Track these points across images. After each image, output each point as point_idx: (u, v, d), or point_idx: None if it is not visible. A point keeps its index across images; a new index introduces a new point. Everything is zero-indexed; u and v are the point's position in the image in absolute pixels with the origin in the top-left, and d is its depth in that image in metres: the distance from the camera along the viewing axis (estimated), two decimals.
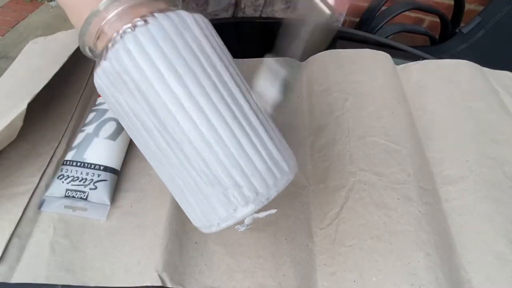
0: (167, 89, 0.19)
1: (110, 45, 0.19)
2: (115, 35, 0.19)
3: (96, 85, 0.22)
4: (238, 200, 0.20)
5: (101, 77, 0.20)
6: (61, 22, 1.67)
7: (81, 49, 0.23)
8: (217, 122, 0.20)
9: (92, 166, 0.32)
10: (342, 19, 0.64)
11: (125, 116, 0.21)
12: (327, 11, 0.18)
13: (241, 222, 0.31)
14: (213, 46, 0.21)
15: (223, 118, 0.20)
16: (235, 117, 0.20)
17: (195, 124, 0.19)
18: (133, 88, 0.19)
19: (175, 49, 0.19)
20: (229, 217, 0.21)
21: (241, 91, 0.21)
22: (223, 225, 0.21)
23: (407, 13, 0.97)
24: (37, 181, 0.33)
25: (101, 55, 0.20)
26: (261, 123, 0.21)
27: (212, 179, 0.20)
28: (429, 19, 1.25)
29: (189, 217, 0.23)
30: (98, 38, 0.21)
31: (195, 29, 0.20)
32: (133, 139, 0.23)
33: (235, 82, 0.21)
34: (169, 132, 0.20)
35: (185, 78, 0.19)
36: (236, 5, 0.59)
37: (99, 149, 0.33)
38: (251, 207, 0.20)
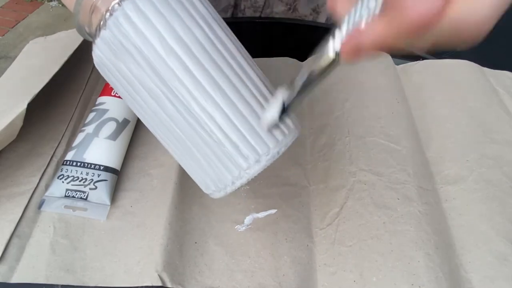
0: (170, 51, 0.19)
1: (107, 15, 0.20)
2: (111, 4, 0.19)
3: (95, 61, 0.22)
4: (250, 157, 0.21)
5: (101, 48, 0.20)
6: (61, 22, 1.67)
7: (78, 30, 0.22)
8: (222, 82, 0.20)
9: (92, 166, 0.32)
10: None
11: (130, 88, 0.21)
12: (331, 54, 0.18)
13: (241, 222, 0.31)
14: (208, 10, 0.21)
15: (227, 77, 0.20)
16: (239, 77, 0.21)
17: (200, 84, 0.20)
18: (135, 53, 0.19)
19: (173, 11, 0.20)
20: (242, 175, 0.21)
21: (240, 53, 0.22)
22: (238, 183, 0.21)
23: None
24: (37, 181, 0.33)
25: (98, 28, 0.20)
26: (264, 83, 0.22)
27: (223, 138, 0.20)
28: None
29: (200, 184, 0.24)
30: (92, 12, 0.21)
31: None
32: (138, 114, 0.23)
33: (233, 43, 0.22)
34: (175, 95, 0.20)
35: (185, 39, 0.20)
36: (236, 6, 0.59)
37: (99, 149, 0.33)
38: (263, 163, 0.21)
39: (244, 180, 0.21)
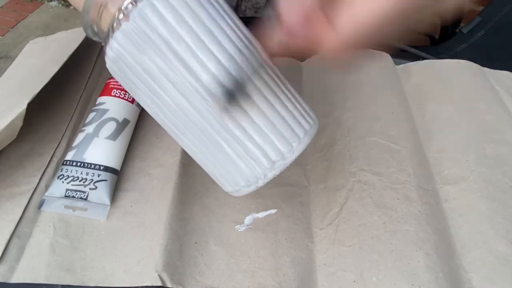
0: (198, 42, 0.19)
1: (129, 6, 0.19)
2: None
3: (111, 56, 0.21)
4: (282, 149, 0.21)
5: (121, 42, 0.20)
6: (61, 22, 1.67)
7: (85, 28, 0.22)
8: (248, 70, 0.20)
9: (92, 166, 0.32)
10: None
11: (152, 82, 0.20)
12: None
13: (241, 222, 0.31)
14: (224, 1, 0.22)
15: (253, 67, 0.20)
16: (264, 69, 0.21)
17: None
18: (162, 45, 0.19)
19: (198, 2, 0.20)
20: (276, 166, 0.21)
21: (257, 47, 0.22)
22: (270, 175, 0.22)
23: None
24: (37, 181, 0.33)
25: (116, 21, 0.19)
26: (286, 87, 0.23)
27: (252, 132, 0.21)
28: None
29: (226, 182, 0.23)
30: (105, 6, 0.20)
31: None
32: (157, 112, 0.22)
33: (251, 36, 0.22)
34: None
35: (213, 30, 0.20)
36: (237, 7, 0.60)
37: (99, 149, 0.33)
38: (294, 154, 0.21)
39: (277, 172, 0.21)
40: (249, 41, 0.21)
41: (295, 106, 0.22)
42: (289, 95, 0.22)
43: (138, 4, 0.19)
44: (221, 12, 0.20)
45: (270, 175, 0.22)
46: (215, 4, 0.20)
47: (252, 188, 0.22)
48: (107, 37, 0.20)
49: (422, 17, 0.16)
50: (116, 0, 0.19)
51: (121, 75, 0.21)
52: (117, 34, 0.19)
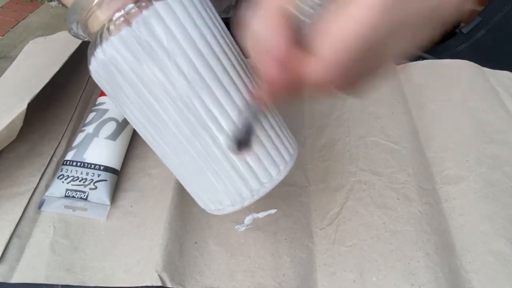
0: (198, 54, 0.19)
1: (132, 11, 0.18)
2: (133, 4, 0.18)
3: (102, 59, 0.19)
4: (269, 172, 0.22)
5: (117, 48, 0.19)
6: (61, 22, 1.67)
7: (69, 23, 0.21)
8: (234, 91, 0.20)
9: (92, 166, 0.32)
10: None
11: (146, 92, 0.20)
12: None
13: (241, 222, 0.31)
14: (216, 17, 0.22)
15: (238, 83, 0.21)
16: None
17: (225, 90, 0.20)
18: (163, 56, 0.19)
19: (199, 14, 0.20)
20: (261, 189, 0.22)
21: (243, 65, 0.22)
22: (256, 196, 0.22)
23: None
24: (37, 181, 0.33)
25: (112, 24, 0.19)
26: (277, 115, 0.24)
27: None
28: None
29: (208, 201, 0.24)
30: (99, 6, 0.19)
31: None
32: (145, 123, 0.21)
33: (236, 52, 0.22)
34: (198, 94, 0.20)
35: (213, 45, 0.20)
36: (237, 7, 0.60)
37: (99, 149, 0.33)
38: (281, 176, 0.22)
39: (262, 193, 0.22)
40: (249, 79, 0.22)
41: (283, 133, 0.23)
42: (279, 123, 0.23)
43: (144, 12, 0.18)
44: (213, 27, 0.21)
45: (256, 196, 0.22)
46: (208, 17, 0.20)
47: (237, 207, 0.23)
48: (98, 38, 0.19)
49: (421, 26, 0.14)
50: (114, 2, 0.19)
51: (108, 79, 0.20)
52: (114, 39, 0.18)
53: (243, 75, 0.21)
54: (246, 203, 0.22)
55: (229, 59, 0.21)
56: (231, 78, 0.20)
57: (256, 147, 0.21)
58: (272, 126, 0.22)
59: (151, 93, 0.20)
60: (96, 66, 0.20)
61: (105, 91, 0.22)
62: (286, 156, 0.23)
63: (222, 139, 0.20)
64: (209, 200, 0.23)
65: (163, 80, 0.19)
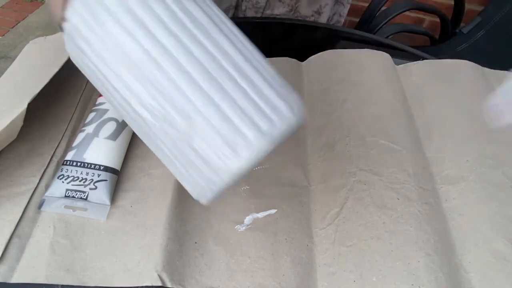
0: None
1: None
2: None
3: (69, 32, 0.19)
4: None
5: (78, 12, 0.18)
6: None
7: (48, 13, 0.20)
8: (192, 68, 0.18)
9: (92, 166, 0.32)
10: (342, 20, 0.65)
11: (109, 57, 0.18)
12: None
13: (241, 222, 0.31)
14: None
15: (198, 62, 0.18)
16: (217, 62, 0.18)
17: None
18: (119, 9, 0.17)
19: None
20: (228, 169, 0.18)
21: (220, 29, 0.19)
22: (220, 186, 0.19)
23: (407, 13, 0.97)
24: (37, 181, 0.33)
25: None
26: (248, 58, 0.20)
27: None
28: (429, 19, 1.25)
29: (188, 188, 0.21)
30: None
31: None
32: (126, 107, 0.19)
33: (212, 19, 0.19)
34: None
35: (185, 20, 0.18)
36: (237, 7, 0.60)
37: (99, 149, 0.33)
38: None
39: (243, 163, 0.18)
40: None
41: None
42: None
43: None
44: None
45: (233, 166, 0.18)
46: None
47: (215, 188, 0.19)
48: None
49: None
50: None
51: (81, 55, 0.19)
52: (74, 3, 0.18)
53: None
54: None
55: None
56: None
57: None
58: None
59: (115, 55, 0.18)
60: (67, 42, 0.19)
61: (83, 71, 0.21)
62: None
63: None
64: (190, 184, 0.20)
65: (122, 38, 0.17)
